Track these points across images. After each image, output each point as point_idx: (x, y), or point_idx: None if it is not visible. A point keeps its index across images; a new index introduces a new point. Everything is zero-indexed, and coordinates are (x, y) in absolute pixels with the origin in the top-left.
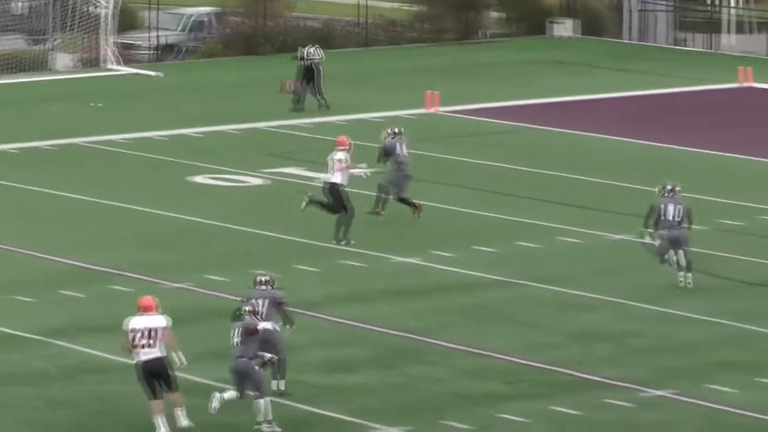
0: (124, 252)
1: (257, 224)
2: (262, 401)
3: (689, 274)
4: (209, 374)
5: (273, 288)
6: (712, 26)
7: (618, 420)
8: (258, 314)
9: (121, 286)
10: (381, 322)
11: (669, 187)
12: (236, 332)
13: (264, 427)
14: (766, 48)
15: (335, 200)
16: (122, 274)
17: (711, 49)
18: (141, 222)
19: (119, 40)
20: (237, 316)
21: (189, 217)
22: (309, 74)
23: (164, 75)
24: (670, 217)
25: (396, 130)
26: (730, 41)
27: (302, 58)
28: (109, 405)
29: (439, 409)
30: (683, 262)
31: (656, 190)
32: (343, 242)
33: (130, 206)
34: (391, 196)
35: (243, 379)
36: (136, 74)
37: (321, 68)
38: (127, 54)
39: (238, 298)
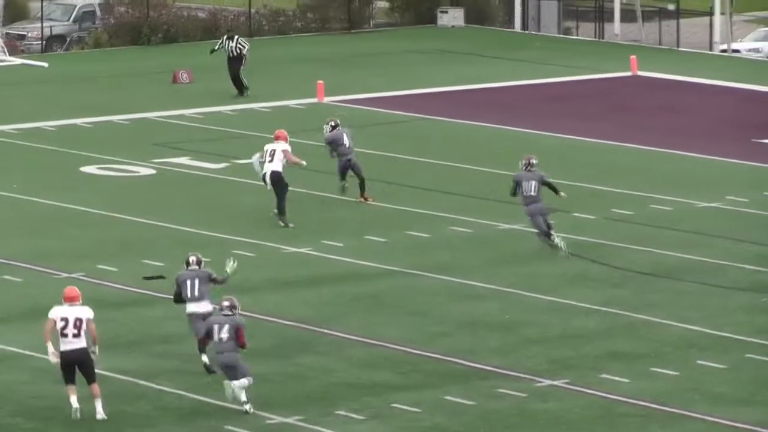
0: (14, 242)
1: (147, 214)
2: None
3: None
4: (100, 364)
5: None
6: (600, 15)
7: (511, 409)
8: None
9: (11, 276)
10: (273, 312)
11: (525, 162)
12: (224, 328)
13: (247, 407)
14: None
15: (279, 186)
16: (12, 263)
17: (598, 38)
18: (31, 212)
19: (9, 31)
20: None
21: (80, 207)
22: (232, 64)
23: (51, 65)
24: (531, 192)
25: (334, 123)
26: (617, 30)
27: (227, 50)
28: (3, 393)
29: (331, 399)
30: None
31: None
32: (291, 225)
33: (19, 196)
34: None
35: (233, 370)
36: (24, 64)
37: (246, 59)
38: (16, 44)
39: (129, 288)
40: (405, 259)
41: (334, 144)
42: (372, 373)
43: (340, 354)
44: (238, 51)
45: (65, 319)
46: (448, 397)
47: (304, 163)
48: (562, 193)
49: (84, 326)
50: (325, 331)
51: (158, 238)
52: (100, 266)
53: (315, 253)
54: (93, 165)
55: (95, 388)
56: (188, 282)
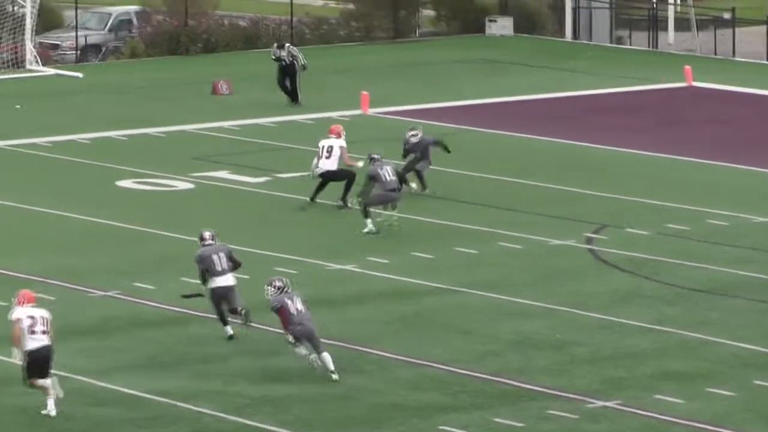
0: (49, 259)
1: (186, 230)
2: (327, 354)
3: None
4: (137, 385)
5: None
6: (653, 24)
7: (562, 431)
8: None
9: (45, 293)
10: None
11: (376, 156)
12: (297, 300)
13: (334, 375)
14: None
15: (338, 178)
16: (46, 281)
17: (652, 47)
18: (66, 228)
19: (42, 40)
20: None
21: (116, 223)
22: (287, 72)
23: (86, 76)
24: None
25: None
26: (670, 39)
27: (280, 58)
28: (33, 416)
29: (377, 421)
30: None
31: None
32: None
33: (54, 211)
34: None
35: (314, 338)
36: (58, 75)
37: (300, 69)
38: (50, 54)
39: (167, 307)
40: (452, 275)
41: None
42: (418, 394)
43: (385, 374)
44: (291, 59)
45: (32, 317)
46: (498, 419)
47: (360, 164)
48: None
49: (49, 325)
50: (370, 350)
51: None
52: (136, 284)
53: (359, 270)
54: (129, 179)
55: (49, 383)
56: (214, 257)
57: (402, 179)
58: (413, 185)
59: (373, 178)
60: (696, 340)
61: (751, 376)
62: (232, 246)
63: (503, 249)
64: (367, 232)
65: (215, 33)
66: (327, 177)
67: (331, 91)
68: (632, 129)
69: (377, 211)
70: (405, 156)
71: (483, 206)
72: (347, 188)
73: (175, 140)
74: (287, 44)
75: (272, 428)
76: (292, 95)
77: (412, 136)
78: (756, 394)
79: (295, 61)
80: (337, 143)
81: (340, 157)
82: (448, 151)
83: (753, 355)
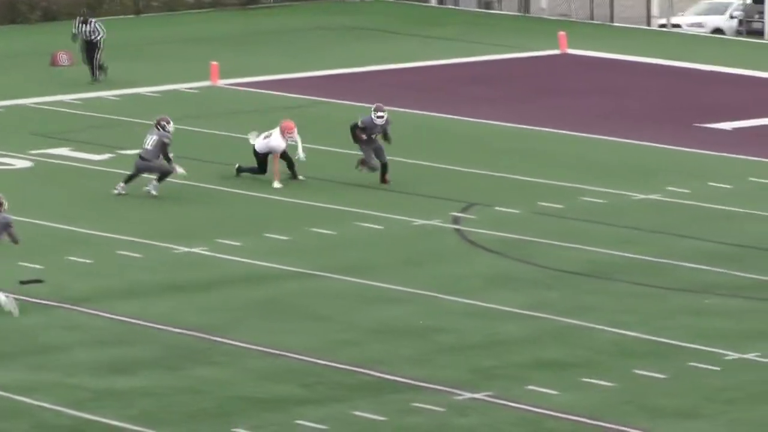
0: None
1: (24, 211)
2: None
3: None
4: None
5: None
6: None
7: (427, 426)
8: None
9: None
10: (162, 319)
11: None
12: None
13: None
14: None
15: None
16: None
17: (523, 12)
18: None
19: None
20: None
21: None
22: (90, 49)
23: None
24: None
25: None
26: (543, 3)
27: (80, 34)
28: None
29: (228, 415)
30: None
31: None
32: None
33: None
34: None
35: None
36: None
37: (102, 44)
38: None
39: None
40: (309, 259)
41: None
42: (273, 386)
43: (237, 365)
44: (94, 36)
45: None
46: (358, 413)
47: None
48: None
49: None
50: (221, 339)
51: (36, 237)
52: None
53: (209, 253)
54: None
55: None
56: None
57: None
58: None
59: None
60: (572, 326)
61: (632, 365)
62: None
63: (364, 230)
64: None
65: (56, 0)
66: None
67: (178, 61)
68: (503, 100)
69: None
70: (357, 133)
71: (342, 184)
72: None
73: (12, 115)
74: (92, 20)
75: (115, 423)
76: (93, 70)
77: (379, 118)
78: (637, 384)
79: (95, 36)
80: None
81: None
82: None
83: (634, 342)
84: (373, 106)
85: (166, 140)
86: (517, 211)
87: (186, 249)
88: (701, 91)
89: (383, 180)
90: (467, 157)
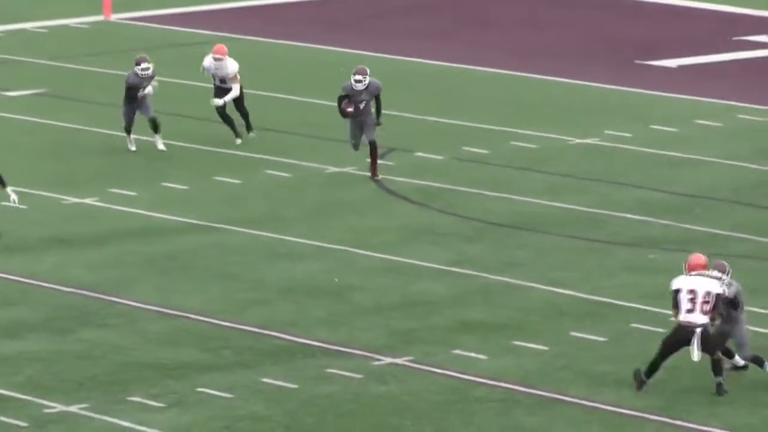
0: None
1: None
2: None
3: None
4: None
5: None
6: None
7: (343, 394)
8: None
9: None
10: (49, 276)
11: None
12: None
13: None
14: None
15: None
16: None
17: None
18: None
19: None
20: None
21: None
22: None
23: None
24: None
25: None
26: None
27: None
28: None
29: (123, 383)
30: None
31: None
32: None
33: None
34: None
35: None
36: None
37: None
38: None
39: None
40: (210, 210)
41: None
42: (173, 350)
43: (132, 327)
44: None
45: None
46: (266, 379)
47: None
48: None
49: None
50: (114, 299)
51: None
52: None
53: (101, 204)
54: None
55: None
56: None
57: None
58: None
59: None
60: (501, 284)
61: (568, 327)
62: None
63: (271, 178)
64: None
65: None
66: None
67: None
68: (423, 34)
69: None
70: (342, 106)
71: (242, 127)
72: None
73: None
74: None
75: (0, 391)
76: None
77: (358, 82)
78: (574, 348)
79: None
80: (233, 67)
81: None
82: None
83: (570, 302)
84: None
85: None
86: (439, 157)
87: (75, 200)
88: (642, 25)
89: (372, 170)
90: (385, 99)
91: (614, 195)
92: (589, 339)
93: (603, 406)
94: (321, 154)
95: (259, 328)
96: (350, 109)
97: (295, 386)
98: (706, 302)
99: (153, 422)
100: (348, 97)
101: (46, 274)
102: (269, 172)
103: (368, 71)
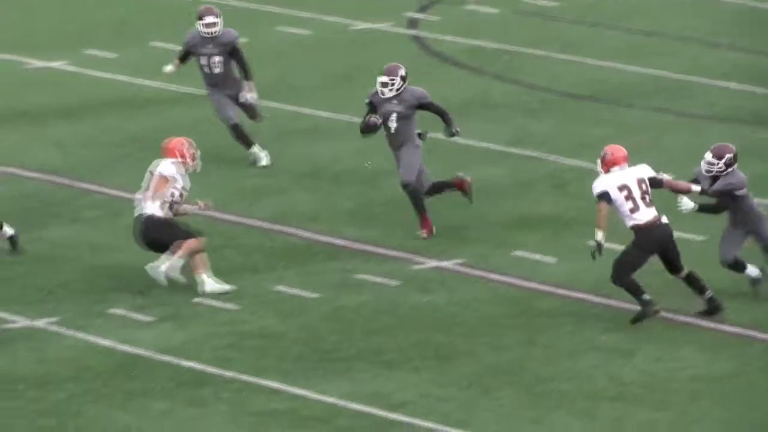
0: None
1: None
2: None
3: None
4: None
5: None
6: None
7: (375, 305)
8: None
9: None
10: (7, 158)
11: None
12: None
13: None
14: None
15: None
16: None
17: None
18: None
19: None
20: None
21: None
22: None
23: None
24: None
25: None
26: None
27: None
28: None
29: (102, 291)
30: None
31: None
32: None
33: None
34: None
35: None
36: None
37: None
38: None
39: None
40: None
41: None
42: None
43: (112, 222)
44: None
45: None
46: (280, 287)
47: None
48: None
49: None
50: (89, 186)
51: None
52: None
53: (72, 68)
54: None
55: None
56: None
57: None
58: None
59: None
60: (572, 169)
61: None
62: None
63: (283, 36)
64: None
65: None
66: None
67: None
68: None
69: None
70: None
71: None
72: None
73: None
74: None
75: None
76: None
77: (383, 86)
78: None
79: None
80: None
81: None
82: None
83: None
84: None
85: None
86: (495, 11)
87: (40, 63)
88: None
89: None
90: None
91: (706, 58)
92: (683, 238)
93: (697, 322)
94: (345, 4)
95: (270, 222)
96: (375, 119)
97: (315, 295)
98: (646, 193)
99: (139, 340)
100: (374, 108)
101: (3, 155)
102: (281, 28)
103: (399, 71)
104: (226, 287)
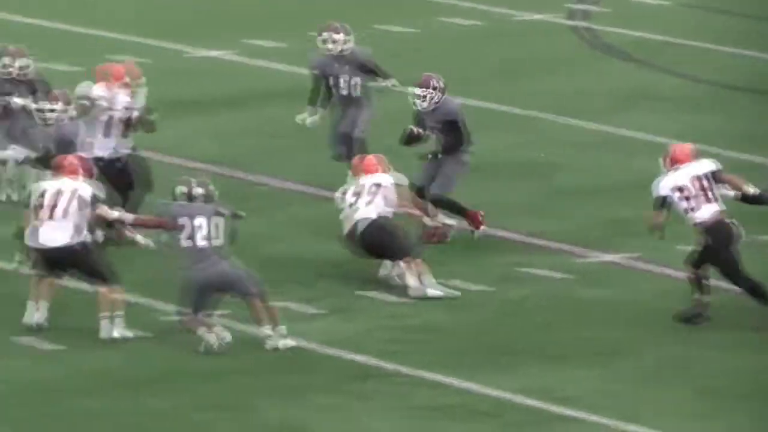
0: None
1: None
2: None
3: None
4: None
5: None
6: None
7: (540, 300)
8: None
9: None
10: (170, 149)
11: None
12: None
13: None
14: None
15: None
16: None
17: None
18: None
19: None
20: None
21: None
22: None
23: None
24: None
25: None
26: None
27: None
28: None
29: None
30: None
31: None
32: None
33: None
34: None
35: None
36: None
37: None
38: None
39: None
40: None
41: None
42: (330, 243)
43: (281, 214)
44: None
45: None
46: (457, 281)
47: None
48: None
49: None
50: (254, 178)
51: None
52: None
53: (236, 58)
54: None
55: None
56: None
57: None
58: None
59: None
60: (745, 164)
61: None
62: None
63: (447, 26)
64: None
65: None
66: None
67: None
68: None
69: None
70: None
71: None
72: None
73: None
74: None
75: None
76: None
77: (420, 99)
78: None
79: None
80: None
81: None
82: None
83: None
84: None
85: None
86: (665, 3)
87: (203, 52)
88: None
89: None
90: None
91: None
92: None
93: None
94: None
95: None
96: (419, 131)
97: (482, 288)
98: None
99: (306, 332)
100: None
101: (166, 146)
102: (444, 19)
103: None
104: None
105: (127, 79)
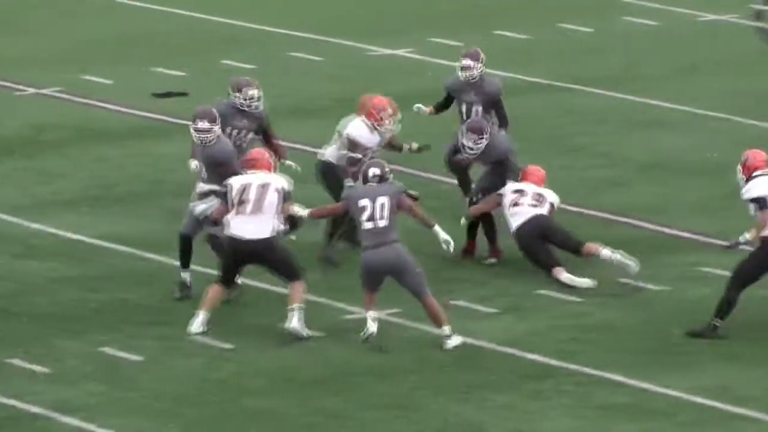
0: None
1: None
2: None
3: None
4: None
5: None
6: None
7: (715, 297)
8: None
9: None
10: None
11: None
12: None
13: None
14: None
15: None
16: None
17: None
18: None
19: None
20: None
21: None
22: None
23: None
24: None
25: None
26: None
27: None
28: None
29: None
30: None
31: None
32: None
33: None
34: None
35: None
36: None
37: None
38: None
39: None
40: (554, 66)
41: None
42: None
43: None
44: None
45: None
46: (623, 279)
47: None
48: None
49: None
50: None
51: None
52: None
53: (416, 56)
54: None
55: None
56: None
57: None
58: None
59: None
60: None
61: None
62: None
63: (630, 26)
64: None
65: None
66: None
67: None
68: None
69: None
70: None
71: None
72: None
73: None
74: None
75: None
76: None
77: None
78: None
79: None
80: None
81: None
82: None
83: None
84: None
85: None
86: None
87: (385, 50)
88: None
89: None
90: None
91: None
92: None
93: None
94: None
95: (612, 214)
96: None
97: (659, 288)
98: None
99: (481, 332)
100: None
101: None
102: (629, 18)
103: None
104: (586, 282)
105: (390, 111)
